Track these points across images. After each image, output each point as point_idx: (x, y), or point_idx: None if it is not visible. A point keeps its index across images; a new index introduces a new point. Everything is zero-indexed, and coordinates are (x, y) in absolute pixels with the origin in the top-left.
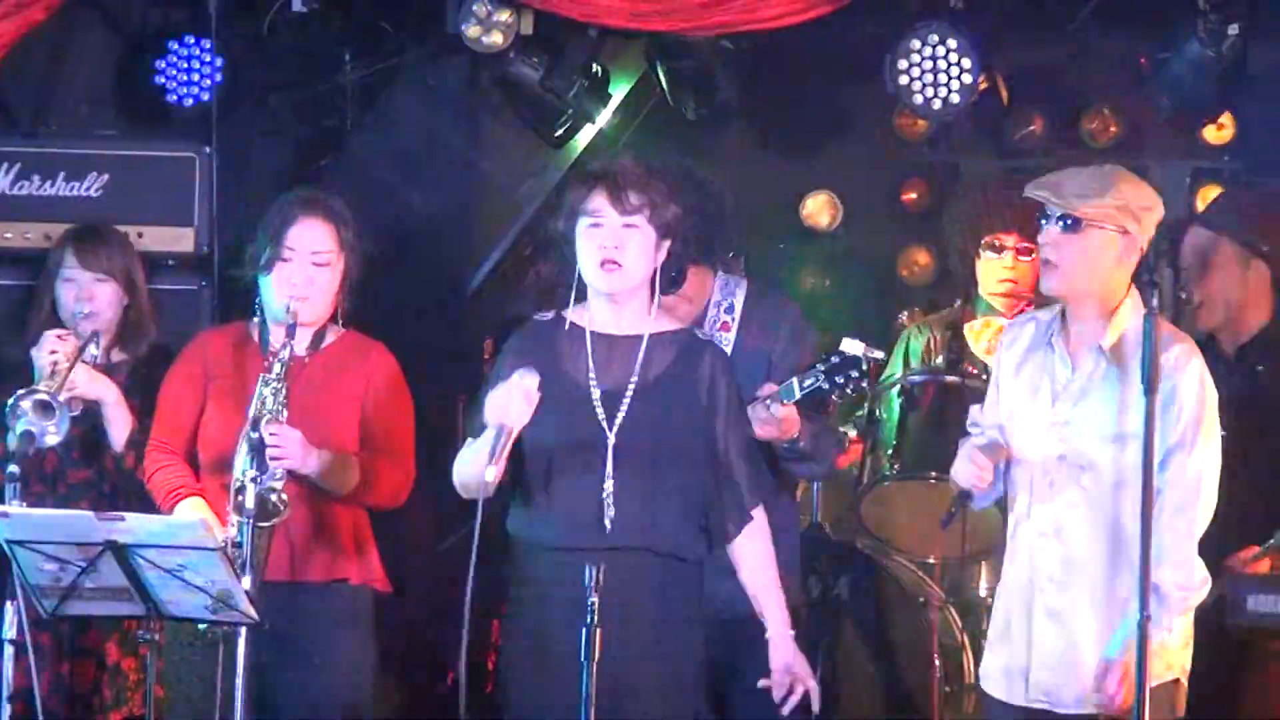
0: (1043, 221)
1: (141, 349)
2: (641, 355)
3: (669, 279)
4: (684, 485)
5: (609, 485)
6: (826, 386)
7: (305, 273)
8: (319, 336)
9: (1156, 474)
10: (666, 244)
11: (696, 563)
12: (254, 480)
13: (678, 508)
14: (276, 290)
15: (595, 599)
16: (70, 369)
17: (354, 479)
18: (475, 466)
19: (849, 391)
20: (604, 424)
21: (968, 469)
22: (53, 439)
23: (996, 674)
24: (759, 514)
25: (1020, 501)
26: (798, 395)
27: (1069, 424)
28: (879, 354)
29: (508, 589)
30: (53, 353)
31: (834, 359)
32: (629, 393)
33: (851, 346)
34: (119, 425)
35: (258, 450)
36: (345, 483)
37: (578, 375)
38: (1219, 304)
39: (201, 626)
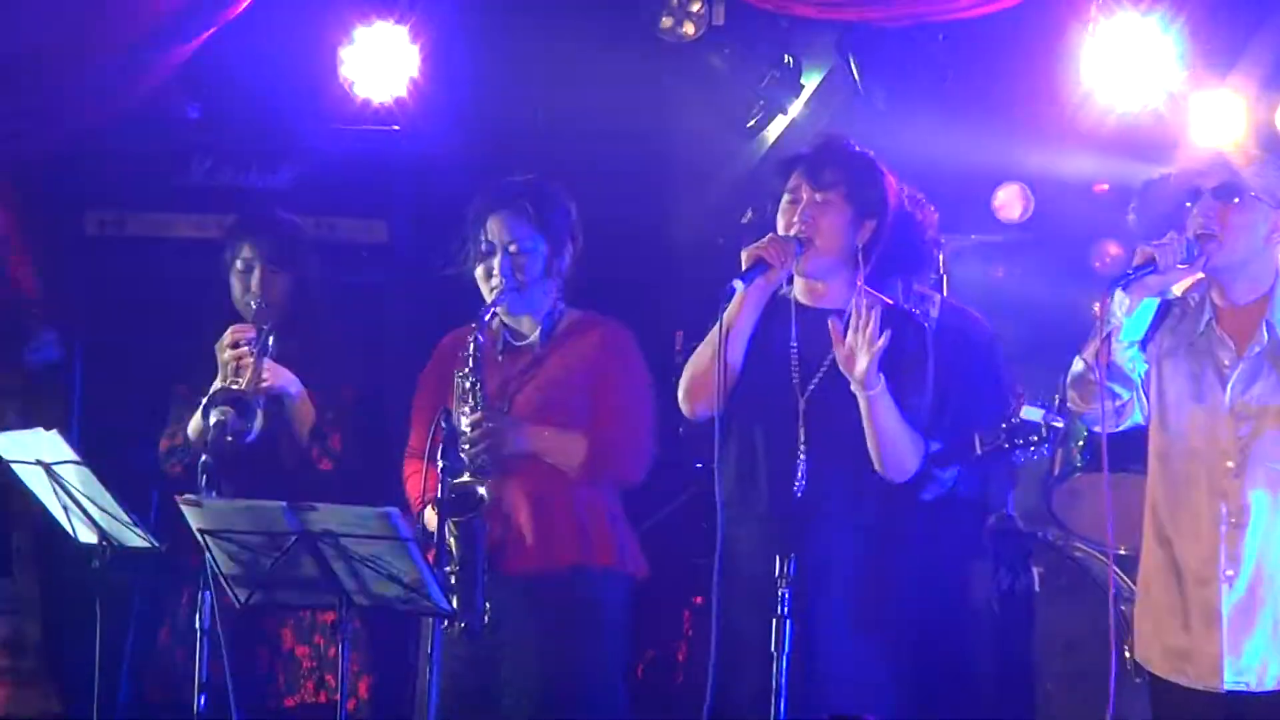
0: (1192, 202)
1: (314, 337)
2: (843, 328)
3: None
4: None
5: (802, 453)
6: (1006, 446)
7: (505, 263)
8: (549, 324)
9: None
10: (870, 223)
11: (898, 537)
12: (445, 473)
13: (870, 480)
14: (483, 284)
15: (786, 590)
16: (258, 364)
17: (579, 455)
18: (707, 348)
19: (1031, 454)
20: (797, 389)
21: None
22: (251, 434)
23: (1175, 661)
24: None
25: (1176, 490)
26: (979, 452)
27: (1251, 405)
28: (1059, 422)
29: (703, 578)
30: (235, 347)
31: (1015, 421)
32: (826, 362)
33: (1030, 414)
34: (302, 417)
35: (448, 443)
36: (569, 458)
37: (781, 345)
38: None
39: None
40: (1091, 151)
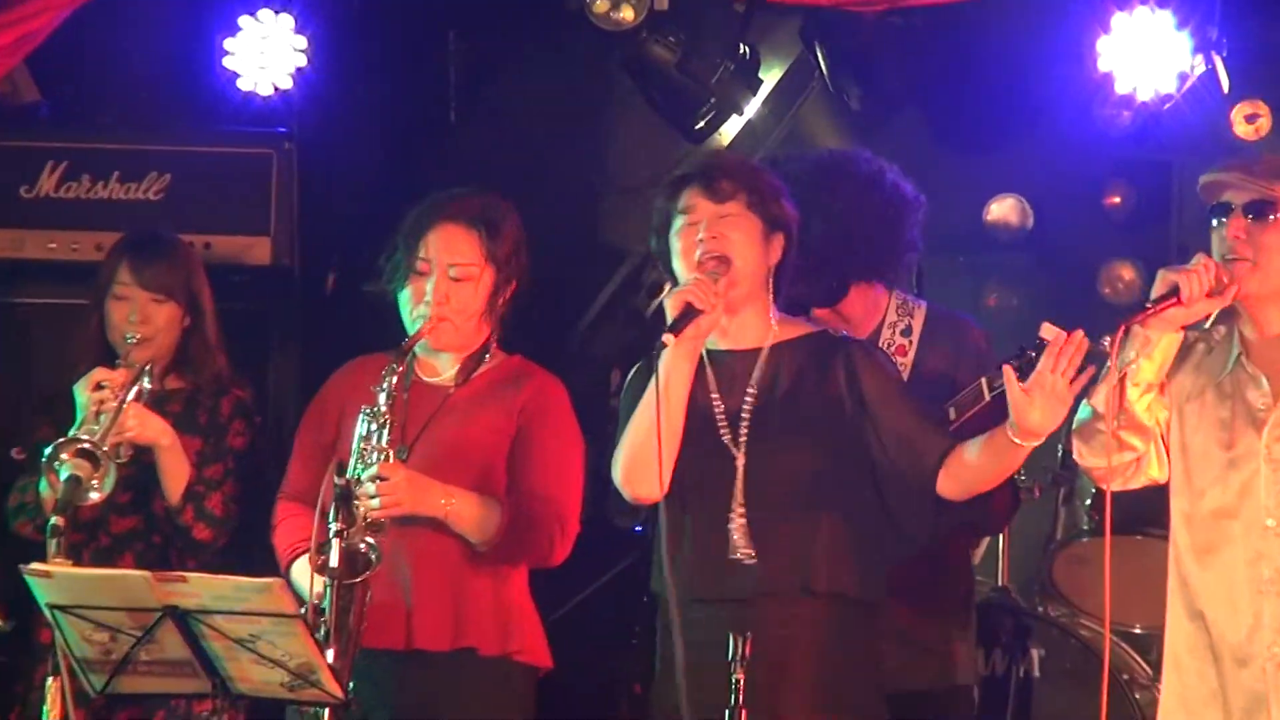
0: (1220, 221)
1: (204, 376)
2: (759, 369)
3: (827, 285)
4: (842, 512)
5: (738, 517)
6: None
7: (442, 288)
8: (472, 364)
9: None
10: (778, 239)
11: (869, 604)
12: (339, 535)
13: (837, 537)
14: (410, 307)
15: (740, 675)
16: (120, 410)
17: (493, 525)
18: (643, 417)
19: None
20: (730, 446)
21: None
22: (95, 495)
23: None
24: None
25: (1206, 555)
26: (987, 398)
27: None
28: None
29: (647, 661)
30: (98, 388)
31: (1030, 352)
32: (745, 410)
33: (1050, 334)
34: (174, 474)
35: (342, 499)
36: (482, 528)
37: (701, 399)
38: None
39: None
40: (1102, 158)
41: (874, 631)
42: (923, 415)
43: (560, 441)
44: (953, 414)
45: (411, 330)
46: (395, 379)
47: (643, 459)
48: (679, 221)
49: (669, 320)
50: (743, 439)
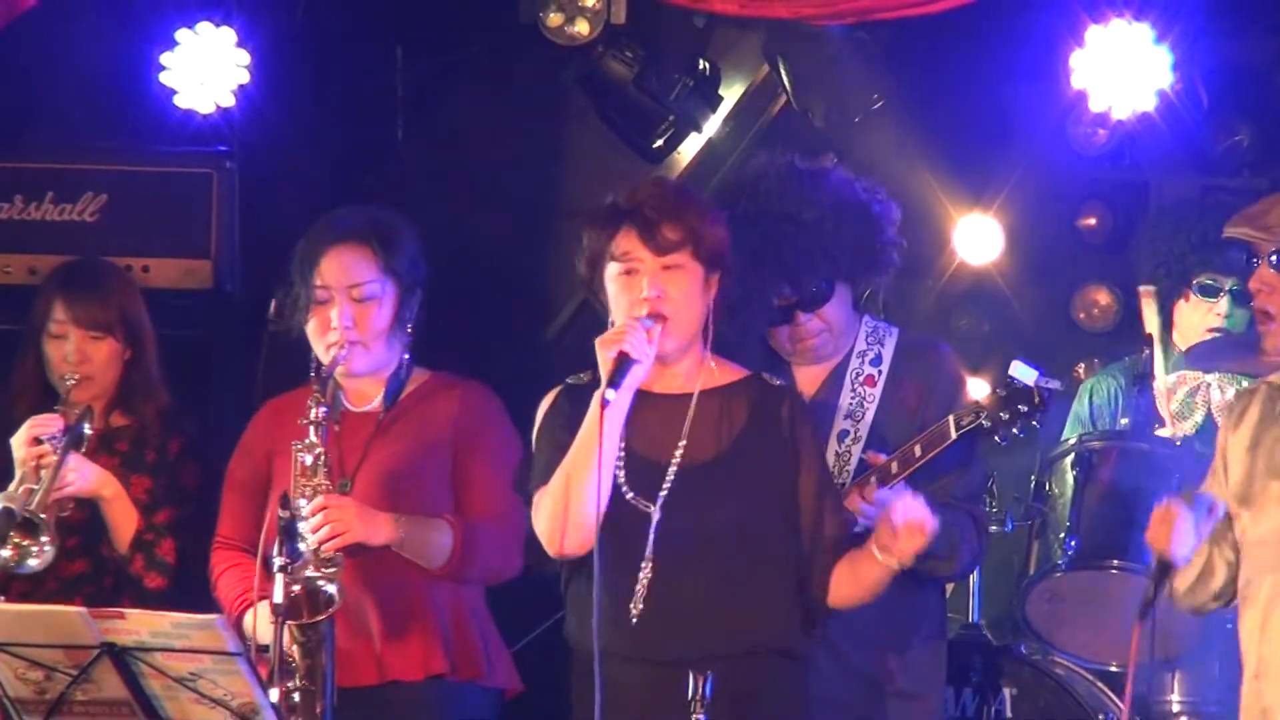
0: (1254, 262)
1: (149, 412)
2: (690, 419)
3: (812, 288)
4: (764, 566)
5: (647, 571)
6: (988, 424)
7: (348, 312)
8: (395, 385)
9: None
10: (715, 277)
11: (796, 658)
12: (283, 569)
13: (772, 594)
14: (318, 339)
15: (700, 715)
16: (60, 465)
17: (447, 546)
18: (572, 473)
19: (1016, 431)
20: (640, 499)
21: (1187, 537)
22: (35, 561)
23: None
24: None
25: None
26: (953, 437)
27: None
28: (1055, 384)
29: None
30: (35, 443)
31: (998, 391)
32: (675, 462)
33: (1021, 373)
34: (120, 524)
35: (287, 534)
36: (436, 551)
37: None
38: None
39: None
40: (1076, 178)
41: (802, 685)
42: (823, 532)
43: (499, 450)
44: (918, 451)
45: (324, 360)
46: (323, 409)
47: (568, 516)
48: (615, 267)
49: (603, 372)
50: (663, 492)
